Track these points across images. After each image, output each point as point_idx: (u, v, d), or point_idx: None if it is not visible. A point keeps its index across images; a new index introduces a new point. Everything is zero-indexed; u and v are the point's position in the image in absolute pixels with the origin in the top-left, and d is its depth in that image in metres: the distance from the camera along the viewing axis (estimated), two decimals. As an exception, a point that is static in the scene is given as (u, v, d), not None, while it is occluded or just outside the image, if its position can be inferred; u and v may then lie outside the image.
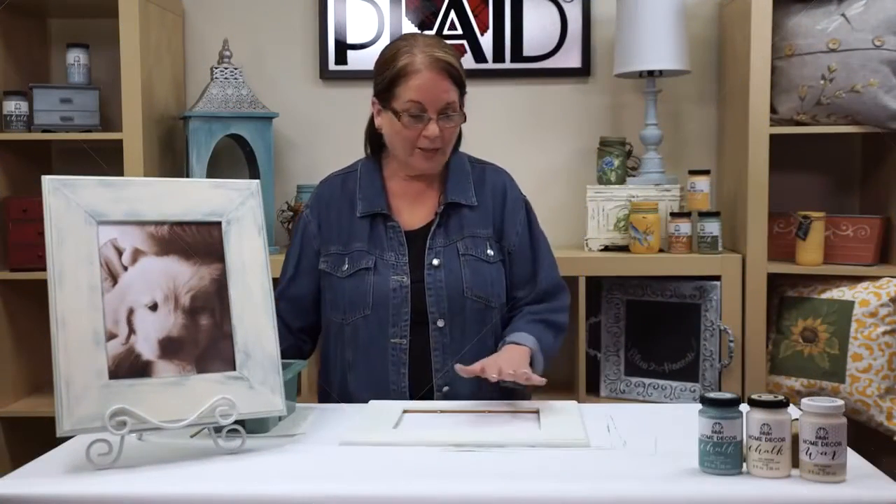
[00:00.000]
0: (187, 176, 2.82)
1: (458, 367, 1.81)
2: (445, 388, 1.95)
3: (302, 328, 2.08)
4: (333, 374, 2.04)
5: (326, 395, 2.07)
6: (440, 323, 1.95)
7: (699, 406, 1.42)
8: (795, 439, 1.37)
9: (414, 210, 2.04)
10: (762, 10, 2.63)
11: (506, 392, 1.94)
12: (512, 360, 1.85)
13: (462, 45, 3.04)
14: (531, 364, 1.90)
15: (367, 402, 1.87)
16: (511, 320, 2.03)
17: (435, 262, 1.97)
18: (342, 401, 1.96)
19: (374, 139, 2.11)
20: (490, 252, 2.01)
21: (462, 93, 1.98)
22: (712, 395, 1.41)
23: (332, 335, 2.03)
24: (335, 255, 2.01)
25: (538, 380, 1.80)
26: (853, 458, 1.44)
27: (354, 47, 3.06)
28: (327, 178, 2.13)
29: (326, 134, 3.10)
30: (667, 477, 1.39)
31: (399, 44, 1.99)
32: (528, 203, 2.12)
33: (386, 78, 1.96)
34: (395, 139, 1.98)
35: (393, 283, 1.95)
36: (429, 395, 1.95)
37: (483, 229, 2.02)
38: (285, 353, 1.93)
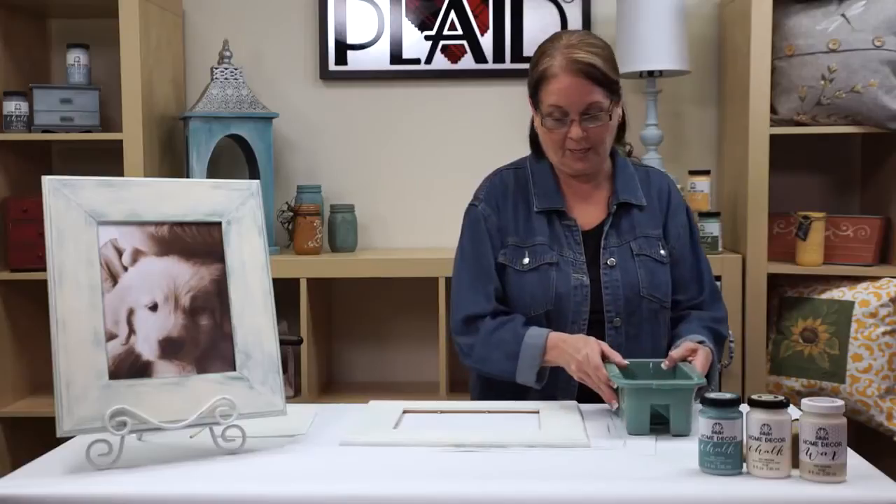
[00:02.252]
0: (187, 176, 2.82)
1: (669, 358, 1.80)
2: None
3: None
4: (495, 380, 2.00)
5: (489, 392, 2.03)
6: (617, 322, 1.94)
7: (699, 406, 1.42)
8: (795, 439, 1.37)
9: (586, 210, 2.02)
10: (762, 10, 2.64)
11: None
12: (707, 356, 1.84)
13: (462, 45, 3.04)
14: (710, 370, 1.88)
15: (534, 398, 1.89)
16: (678, 322, 2.01)
17: (610, 261, 1.96)
18: (515, 398, 1.93)
19: (535, 142, 2.09)
20: (662, 252, 2.00)
21: (611, 90, 1.94)
22: (712, 395, 1.41)
23: None
24: (513, 248, 1.99)
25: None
26: (853, 458, 1.44)
27: (354, 47, 3.06)
28: (497, 171, 2.10)
29: (326, 134, 3.10)
30: (667, 477, 1.39)
31: (545, 45, 1.98)
32: (689, 207, 2.12)
33: (531, 81, 1.98)
34: (545, 141, 1.99)
35: (574, 280, 1.94)
36: (597, 394, 1.90)
37: (654, 230, 2.01)
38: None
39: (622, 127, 2.08)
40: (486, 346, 1.93)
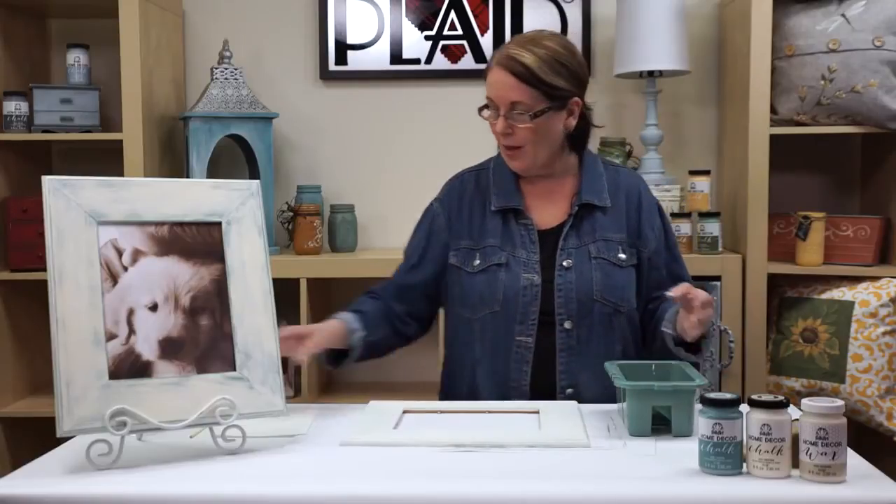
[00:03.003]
0: (187, 176, 2.82)
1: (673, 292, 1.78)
2: (569, 390, 1.93)
3: (409, 313, 2.07)
4: (461, 371, 2.02)
5: (451, 392, 2.06)
6: (567, 325, 1.94)
7: (699, 406, 1.42)
8: (795, 439, 1.37)
9: (546, 209, 2.02)
10: (762, 10, 2.64)
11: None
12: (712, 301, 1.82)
13: (462, 45, 3.04)
14: (703, 334, 1.89)
15: (492, 398, 1.90)
16: (657, 308, 2.00)
17: (566, 263, 1.95)
18: (470, 397, 1.96)
19: None
20: (622, 256, 1.98)
21: (547, 95, 1.91)
22: (712, 395, 1.41)
23: (460, 331, 2.02)
24: (465, 250, 2.00)
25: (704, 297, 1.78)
26: (853, 458, 1.44)
27: (354, 47, 3.06)
28: (460, 173, 2.13)
29: (326, 134, 3.10)
30: (667, 477, 1.39)
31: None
32: (662, 208, 2.11)
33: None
34: None
35: (524, 280, 1.94)
36: (550, 395, 1.93)
37: (616, 233, 2.00)
38: (383, 342, 2.03)
39: (583, 136, 2.05)
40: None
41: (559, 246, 1.97)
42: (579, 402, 1.88)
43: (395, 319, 2.05)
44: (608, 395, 1.84)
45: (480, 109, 1.98)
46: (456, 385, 2.04)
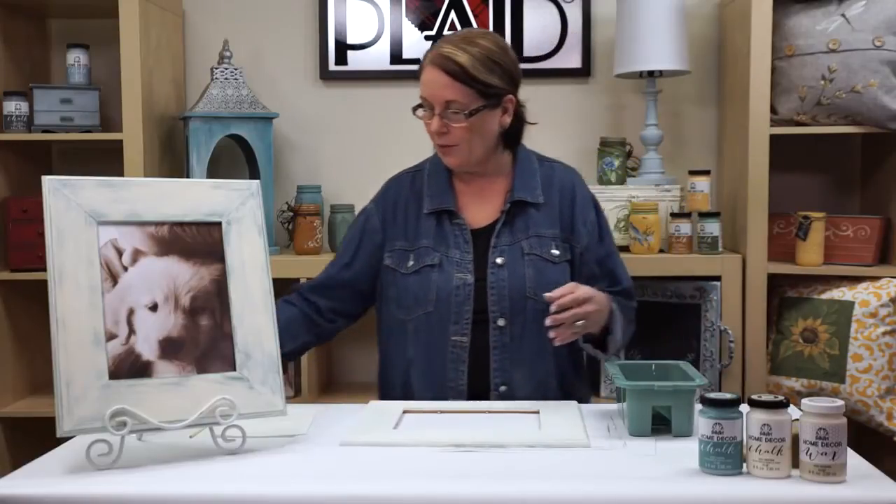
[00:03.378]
0: (187, 176, 2.82)
1: (547, 295, 1.78)
2: (503, 388, 1.94)
3: (335, 309, 2.07)
4: (395, 372, 2.02)
5: (386, 392, 2.06)
6: (500, 322, 1.94)
7: (699, 406, 1.42)
8: (796, 440, 1.37)
9: (480, 207, 2.03)
10: (762, 10, 2.63)
11: (565, 393, 1.97)
12: (593, 296, 1.81)
13: (462, 45, 3.04)
14: (610, 327, 1.90)
15: (427, 398, 1.90)
16: None
17: (499, 260, 1.96)
18: (405, 398, 1.96)
19: None
20: (555, 252, 1.99)
21: (481, 93, 1.91)
22: (712, 395, 1.41)
23: (394, 332, 2.03)
24: (400, 252, 2.01)
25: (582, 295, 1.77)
26: (853, 458, 1.44)
27: (354, 47, 3.06)
28: (397, 175, 2.14)
29: (326, 134, 3.10)
30: (667, 477, 1.39)
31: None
32: (597, 202, 2.11)
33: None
34: None
35: (457, 280, 1.95)
36: (485, 394, 1.94)
37: (549, 228, 2.01)
38: (298, 350, 2.03)
39: (516, 134, 2.07)
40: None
41: (491, 244, 1.98)
42: (512, 399, 1.91)
43: (316, 317, 2.05)
44: (541, 392, 1.88)
45: (415, 109, 1.98)
46: (390, 386, 2.04)
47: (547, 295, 1.77)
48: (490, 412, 1.81)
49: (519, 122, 2.06)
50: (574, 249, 2.02)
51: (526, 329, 1.94)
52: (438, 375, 1.94)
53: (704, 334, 2.66)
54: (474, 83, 1.91)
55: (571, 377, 2.02)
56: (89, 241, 1.50)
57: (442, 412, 1.81)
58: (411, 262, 1.98)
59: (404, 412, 1.80)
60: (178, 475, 1.42)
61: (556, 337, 1.76)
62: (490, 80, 1.93)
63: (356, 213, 2.93)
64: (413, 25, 3.04)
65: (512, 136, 2.05)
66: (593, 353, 1.97)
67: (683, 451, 1.48)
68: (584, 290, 1.79)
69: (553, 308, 1.75)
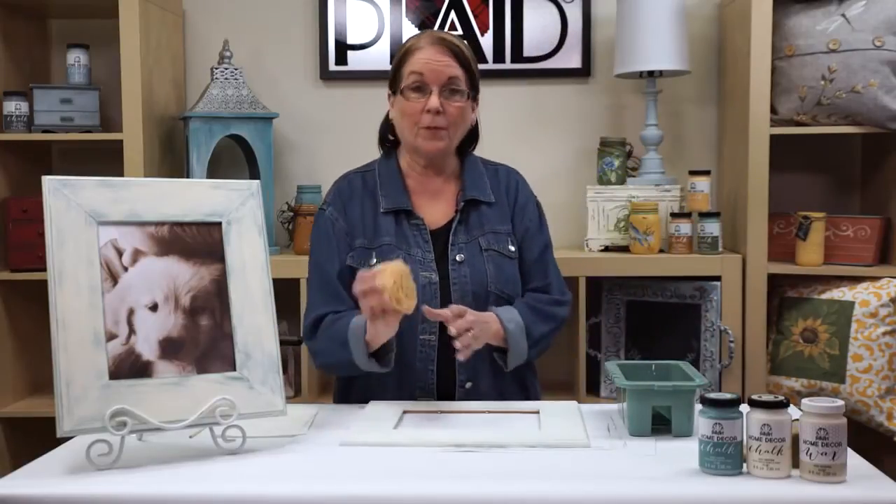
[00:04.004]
0: (187, 176, 2.82)
1: (425, 308, 1.82)
2: (468, 385, 1.96)
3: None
4: (360, 372, 1.99)
5: (346, 393, 2.05)
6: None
7: (699, 406, 1.42)
8: (796, 440, 1.37)
9: (433, 208, 2.04)
10: (762, 10, 2.64)
11: (521, 386, 2.01)
12: (479, 321, 1.85)
13: (462, 45, 3.04)
14: (506, 345, 1.92)
15: (393, 398, 1.89)
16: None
17: (458, 257, 1.98)
18: (366, 399, 1.94)
19: (388, 137, 2.13)
20: (511, 248, 2.03)
21: (471, 79, 2.00)
22: (712, 395, 1.41)
23: None
24: (361, 250, 2.00)
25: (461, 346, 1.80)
26: (853, 458, 1.44)
27: (354, 47, 3.06)
28: (345, 175, 2.13)
29: (326, 134, 3.10)
30: (667, 477, 1.39)
31: (411, 36, 2.07)
32: (538, 203, 2.14)
33: (394, 63, 2.03)
34: (402, 121, 2.00)
35: (422, 279, 1.95)
36: (451, 392, 1.95)
37: (502, 225, 2.04)
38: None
39: (474, 137, 2.12)
40: (323, 341, 1.93)
41: (450, 242, 1.99)
42: (477, 395, 1.93)
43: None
44: (498, 385, 1.93)
45: (407, 89, 1.96)
46: (354, 388, 2.02)
47: (450, 329, 1.80)
48: (490, 412, 1.81)
49: (474, 130, 2.12)
50: (518, 245, 2.06)
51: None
52: (408, 375, 1.94)
53: (704, 334, 2.66)
54: (469, 69, 2.00)
55: (523, 368, 2.03)
56: (89, 241, 1.50)
57: (442, 412, 1.81)
58: (374, 260, 1.96)
59: (404, 412, 1.80)
60: (178, 475, 1.42)
61: (462, 353, 1.80)
62: (477, 73, 2.03)
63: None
64: (413, 25, 3.04)
65: (465, 142, 2.10)
66: (500, 362, 1.98)
67: (683, 451, 1.48)
68: (470, 314, 1.83)
69: (453, 332, 1.79)
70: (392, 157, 2.10)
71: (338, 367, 1.96)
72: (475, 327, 1.82)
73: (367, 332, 1.81)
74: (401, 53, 2.01)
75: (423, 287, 1.94)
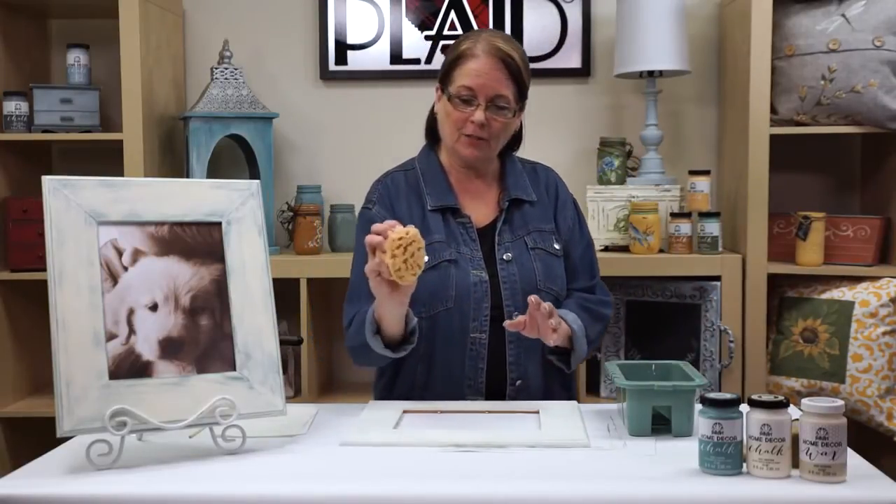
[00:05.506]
0: (187, 176, 2.82)
1: (507, 322, 1.81)
2: (518, 383, 1.95)
3: None
4: (406, 370, 1.99)
5: (389, 392, 2.03)
6: (516, 316, 1.92)
7: (699, 406, 1.42)
8: (795, 439, 1.37)
9: (477, 208, 2.04)
10: (762, 10, 2.64)
11: (565, 386, 2.03)
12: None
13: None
14: (571, 348, 1.94)
15: (443, 397, 1.90)
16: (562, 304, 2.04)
17: (506, 256, 1.98)
18: (412, 397, 1.94)
19: (433, 129, 2.10)
20: (556, 246, 2.03)
21: (520, 91, 1.97)
22: (712, 395, 1.41)
23: None
24: None
25: (556, 333, 1.81)
26: (853, 458, 1.44)
27: (354, 47, 3.06)
28: (386, 174, 2.11)
29: (326, 134, 3.10)
30: (667, 477, 1.39)
31: (468, 33, 2.02)
32: (575, 201, 2.15)
33: (446, 62, 1.99)
34: (445, 123, 1.99)
35: (473, 277, 1.94)
36: (501, 390, 1.94)
37: (545, 224, 2.04)
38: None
39: (517, 140, 2.12)
40: (351, 331, 1.92)
41: (496, 241, 1.99)
42: (527, 393, 1.93)
43: None
44: (546, 385, 1.92)
45: (451, 98, 1.94)
46: (397, 386, 2.01)
47: (531, 298, 1.79)
48: (490, 412, 1.81)
49: (519, 133, 2.11)
50: (563, 244, 2.06)
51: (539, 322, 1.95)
52: (457, 373, 1.93)
53: (704, 334, 2.66)
54: (521, 84, 1.97)
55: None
56: (89, 241, 1.50)
57: (442, 412, 1.81)
58: (426, 258, 1.97)
59: (404, 412, 1.80)
60: (178, 475, 1.42)
61: (552, 338, 1.80)
62: (528, 80, 2.00)
63: (356, 213, 2.95)
64: (413, 25, 3.04)
65: (509, 146, 2.09)
66: (558, 364, 1.99)
67: (683, 451, 1.48)
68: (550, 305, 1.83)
69: (544, 308, 1.78)
70: (432, 154, 2.08)
71: (361, 354, 1.91)
72: (556, 316, 1.82)
73: (377, 309, 1.79)
74: (455, 54, 1.97)
75: (473, 285, 1.94)
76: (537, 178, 2.10)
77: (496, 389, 1.95)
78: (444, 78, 1.99)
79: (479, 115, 1.93)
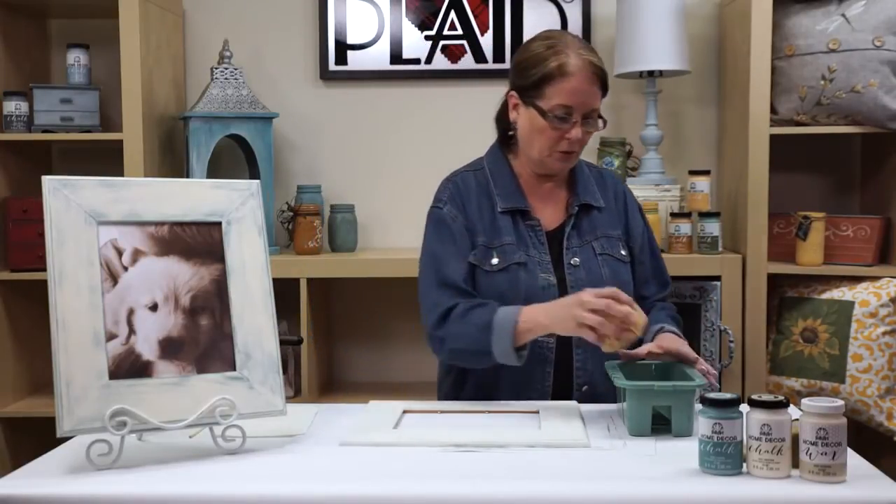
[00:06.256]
0: (187, 176, 2.82)
1: (623, 352, 1.81)
2: (585, 388, 1.95)
3: None
4: (471, 372, 1.99)
5: (456, 390, 2.03)
6: None
7: (699, 406, 1.42)
8: (796, 439, 1.37)
9: (546, 211, 2.03)
10: (762, 10, 2.64)
11: None
12: (676, 342, 1.86)
13: (462, 45, 3.04)
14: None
15: (507, 398, 1.90)
16: (648, 312, 2.02)
17: (574, 261, 1.98)
18: (477, 398, 1.95)
19: (508, 133, 2.08)
20: (623, 252, 2.03)
21: (602, 100, 1.99)
22: (712, 395, 1.41)
23: None
24: (482, 248, 1.97)
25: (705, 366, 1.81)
26: (853, 458, 1.44)
27: (354, 47, 3.06)
28: (455, 173, 2.08)
29: (326, 134, 3.10)
30: (667, 477, 1.39)
31: (550, 42, 1.96)
32: (641, 206, 2.16)
33: (535, 75, 1.93)
34: (535, 137, 1.96)
35: (542, 280, 1.94)
36: (567, 395, 1.94)
37: (613, 230, 2.04)
38: None
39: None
40: (460, 324, 1.88)
41: (564, 245, 1.99)
42: (593, 399, 1.91)
43: None
44: (611, 391, 1.85)
45: (546, 115, 1.92)
46: (467, 385, 2.01)
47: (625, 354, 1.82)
48: (490, 412, 1.81)
49: None
50: (633, 251, 2.06)
51: None
52: (524, 376, 1.93)
53: (704, 334, 2.66)
54: (605, 93, 1.99)
55: None
56: (89, 241, 1.50)
57: (442, 412, 1.81)
58: (496, 260, 1.96)
59: (404, 412, 1.80)
60: (178, 475, 1.42)
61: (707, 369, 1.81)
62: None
63: (356, 213, 2.96)
64: (413, 25, 3.04)
65: None
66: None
67: (683, 451, 1.48)
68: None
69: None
70: (501, 156, 2.06)
71: (467, 353, 1.89)
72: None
73: (521, 317, 1.80)
74: (548, 69, 1.92)
75: (542, 289, 1.93)
76: (605, 183, 2.09)
77: (562, 394, 1.94)
78: (531, 91, 1.94)
79: (576, 132, 1.93)
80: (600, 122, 1.97)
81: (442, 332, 1.91)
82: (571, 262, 1.97)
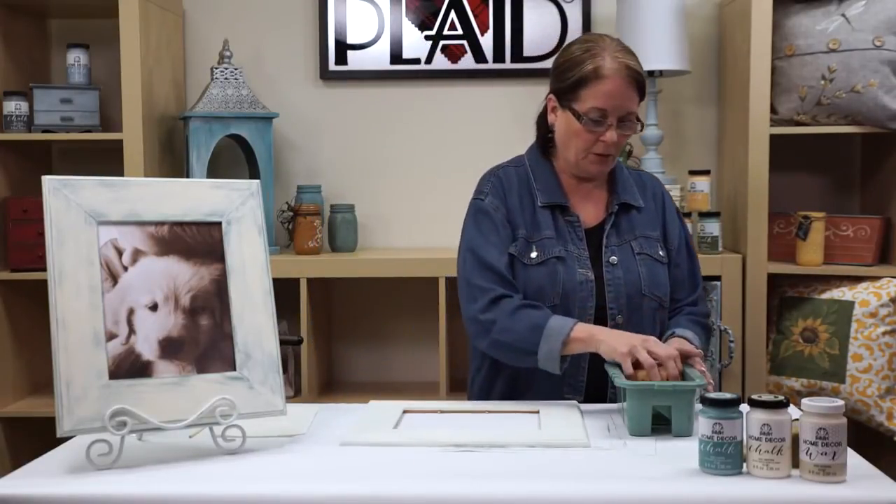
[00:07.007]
0: (187, 176, 2.82)
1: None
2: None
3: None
4: (504, 365, 1.98)
5: (489, 386, 2.03)
6: (619, 319, 1.95)
7: (699, 406, 1.42)
8: (796, 439, 1.37)
9: (586, 208, 2.04)
10: (762, 10, 2.64)
11: None
12: (675, 343, 1.87)
13: (462, 45, 3.04)
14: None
15: (542, 394, 1.90)
16: (672, 317, 2.04)
17: (612, 259, 1.98)
18: (511, 393, 1.95)
19: (548, 136, 2.08)
20: (661, 253, 2.04)
21: (641, 100, 1.98)
22: (712, 395, 1.41)
23: None
24: (522, 241, 1.98)
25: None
26: (853, 458, 1.44)
27: (354, 47, 3.06)
28: (496, 167, 2.09)
29: (326, 134, 3.10)
30: (667, 477, 1.39)
31: (587, 45, 1.97)
32: (678, 210, 2.16)
33: (572, 78, 1.94)
34: (571, 140, 1.97)
35: (580, 275, 1.95)
36: (602, 392, 1.94)
37: (652, 231, 2.05)
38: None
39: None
40: (510, 319, 1.88)
41: (603, 243, 2.00)
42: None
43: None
44: None
45: (581, 118, 1.92)
46: (499, 380, 2.01)
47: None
48: (490, 412, 1.81)
49: None
50: (670, 252, 2.06)
51: (642, 327, 1.95)
52: (561, 372, 1.92)
53: (704, 334, 2.66)
54: (644, 92, 1.98)
55: None
56: (89, 241, 1.50)
57: (442, 412, 1.81)
58: (535, 254, 1.96)
59: (404, 412, 1.80)
60: (178, 475, 1.42)
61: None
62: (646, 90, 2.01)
63: (356, 213, 2.96)
64: (413, 25, 3.04)
65: None
66: None
67: (683, 451, 1.48)
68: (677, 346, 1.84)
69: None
70: (542, 156, 2.07)
71: (510, 348, 1.89)
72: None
73: (573, 332, 1.82)
74: (582, 73, 1.92)
75: (580, 284, 1.94)
76: (644, 184, 2.10)
77: (596, 390, 1.94)
78: (568, 94, 1.95)
79: (611, 135, 1.93)
80: (638, 124, 1.97)
81: (490, 317, 1.91)
82: (610, 259, 1.98)
